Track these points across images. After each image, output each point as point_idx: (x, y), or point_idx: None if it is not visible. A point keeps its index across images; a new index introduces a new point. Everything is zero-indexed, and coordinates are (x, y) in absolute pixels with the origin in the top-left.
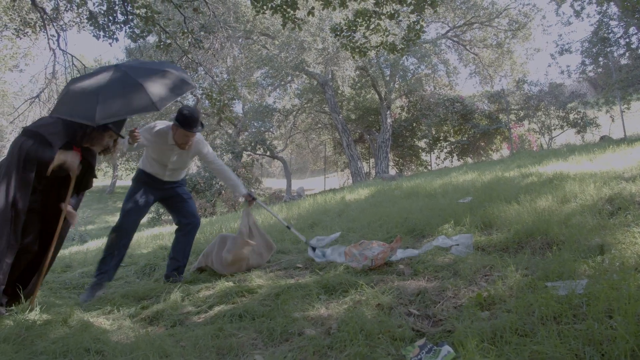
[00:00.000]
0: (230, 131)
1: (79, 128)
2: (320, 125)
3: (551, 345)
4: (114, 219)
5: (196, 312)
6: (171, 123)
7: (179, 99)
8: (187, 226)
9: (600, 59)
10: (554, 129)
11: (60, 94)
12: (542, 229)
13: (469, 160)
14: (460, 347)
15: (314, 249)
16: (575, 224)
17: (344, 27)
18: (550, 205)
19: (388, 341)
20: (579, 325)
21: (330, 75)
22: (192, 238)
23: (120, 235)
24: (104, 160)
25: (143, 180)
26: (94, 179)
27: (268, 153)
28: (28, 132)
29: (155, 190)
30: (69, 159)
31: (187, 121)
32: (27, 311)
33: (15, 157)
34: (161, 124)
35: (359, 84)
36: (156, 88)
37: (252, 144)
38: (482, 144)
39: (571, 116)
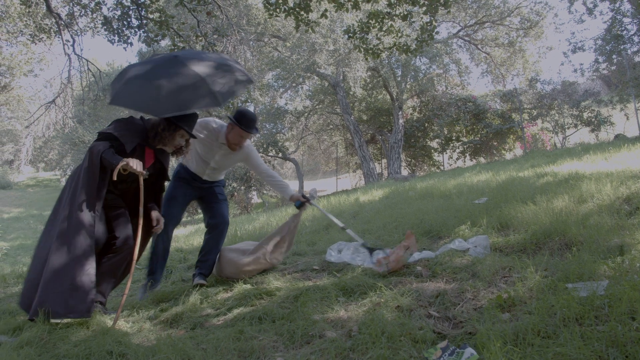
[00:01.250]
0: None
1: (150, 128)
2: (331, 127)
3: (574, 347)
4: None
5: (215, 314)
6: (226, 123)
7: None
8: (214, 227)
9: (614, 56)
10: (568, 128)
11: (118, 83)
12: (559, 229)
13: (482, 160)
14: (483, 349)
15: (371, 250)
16: (593, 224)
17: (357, 29)
18: (567, 205)
19: (409, 343)
20: (601, 327)
21: (341, 77)
22: (220, 239)
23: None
24: (176, 161)
25: (183, 176)
26: (166, 182)
27: (280, 155)
28: (102, 135)
29: (194, 188)
30: (132, 163)
31: (246, 121)
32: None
33: (89, 162)
34: (218, 121)
35: (370, 85)
36: (218, 84)
37: (264, 146)
38: (495, 143)
39: (585, 115)
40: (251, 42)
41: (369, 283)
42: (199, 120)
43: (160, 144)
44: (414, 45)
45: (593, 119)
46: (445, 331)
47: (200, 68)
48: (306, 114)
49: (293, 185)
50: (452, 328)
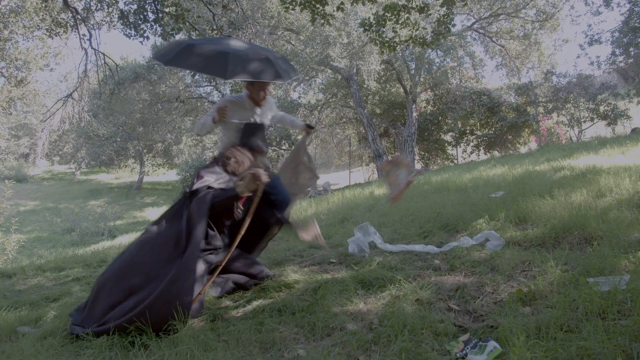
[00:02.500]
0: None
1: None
2: (344, 120)
3: (598, 342)
4: (142, 214)
5: (234, 306)
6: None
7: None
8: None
9: (632, 49)
10: (584, 122)
11: (179, 49)
12: (578, 223)
13: (496, 153)
14: (506, 342)
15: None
16: (612, 218)
17: (373, 22)
18: (586, 199)
19: (431, 336)
20: (624, 322)
21: (355, 70)
22: None
23: None
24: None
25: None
26: None
27: (293, 148)
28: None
29: None
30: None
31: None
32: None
33: (202, 208)
34: (229, 96)
35: (384, 78)
36: (280, 64)
37: (277, 139)
38: (510, 137)
39: (601, 108)
40: (264, 36)
41: (387, 276)
42: (217, 104)
43: (240, 168)
44: (431, 38)
45: (609, 113)
46: (466, 324)
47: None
48: (319, 107)
49: None
50: (472, 321)
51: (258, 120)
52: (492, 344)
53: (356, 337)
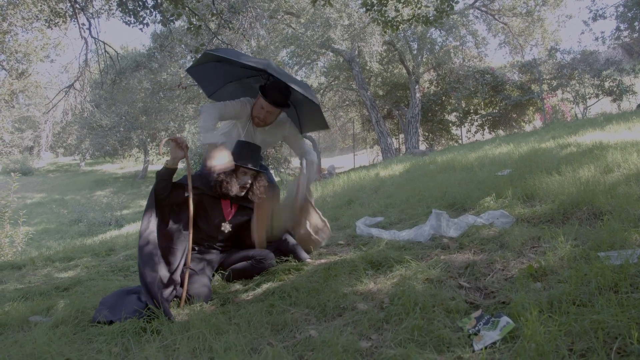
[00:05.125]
0: None
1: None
2: (347, 103)
3: (611, 315)
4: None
5: (244, 290)
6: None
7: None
8: None
9: (636, 23)
10: (589, 98)
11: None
12: (587, 199)
13: (501, 132)
14: (519, 318)
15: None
16: (621, 193)
17: (375, 1)
18: (593, 175)
19: (442, 314)
20: (637, 294)
21: (356, 52)
22: None
23: None
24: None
25: None
26: None
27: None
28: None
29: None
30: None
31: (272, 92)
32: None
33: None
34: (251, 99)
35: (386, 59)
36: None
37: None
38: (514, 115)
39: (606, 84)
40: (264, 20)
41: (396, 256)
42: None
43: (224, 190)
44: (433, 17)
45: (615, 89)
46: (478, 301)
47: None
48: (322, 90)
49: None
50: (484, 298)
51: (248, 137)
52: (504, 319)
53: (367, 316)
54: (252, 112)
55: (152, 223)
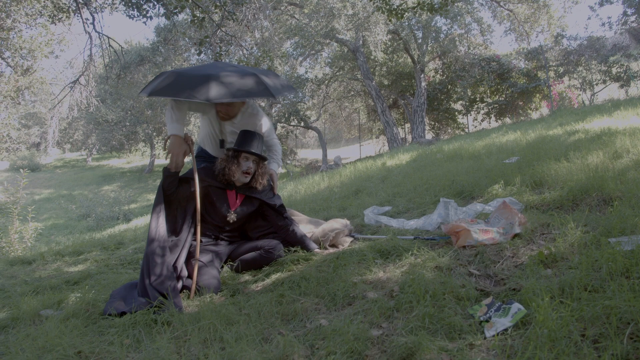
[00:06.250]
0: (263, 103)
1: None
2: (353, 93)
3: (624, 300)
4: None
5: (253, 280)
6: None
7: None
8: None
9: None
10: (596, 84)
11: (162, 78)
12: (596, 185)
13: (508, 120)
14: (530, 304)
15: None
16: (631, 179)
17: None
18: (602, 161)
19: (453, 301)
20: None
21: (361, 41)
22: None
23: None
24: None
25: (202, 156)
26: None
27: (302, 124)
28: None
29: None
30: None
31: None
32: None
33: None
34: None
35: (391, 49)
36: (270, 80)
37: (286, 116)
38: (521, 103)
39: (614, 70)
40: (267, 11)
41: (404, 245)
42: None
43: (227, 176)
44: (438, 4)
45: (622, 74)
46: (488, 288)
47: (248, 68)
48: (327, 81)
49: (316, 154)
50: (494, 285)
51: (230, 138)
52: (516, 305)
53: (377, 304)
54: (216, 107)
55: (161, 227)
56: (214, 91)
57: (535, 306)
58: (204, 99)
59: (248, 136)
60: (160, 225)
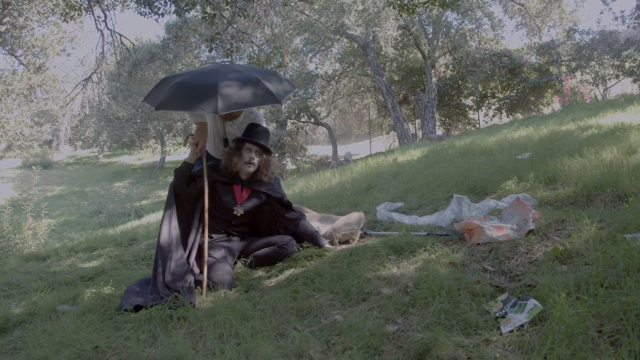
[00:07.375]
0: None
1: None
2: (363, 89)
3: None
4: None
5: (267, 276)
6: None
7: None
8: None
9: None
10: (609, 79)
11: (166, 89)
12: (611, 181)
13: (519, 116)
14: (546, 300)
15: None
16: None
17: None
18: (617, 156)
19: (468, 297)
20: None
21: (371, 37)
22: None
23: None
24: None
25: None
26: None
27: (312, 120)
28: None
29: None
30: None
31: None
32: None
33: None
34: None
35: (401, 44)
36: (273, 85)
37: (296, 112)
38: (532, 98)
39: (627, 64)
40: (278, 7)
41: (418, 241)
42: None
43: (231, 168)
44: None
45: (635, 69)
46: (503, 284)
47: (251, 72)
48: (337, 77)
49: (327, 150)
50: (509, 281)
51: (220, 130)
52: (532, 302)
53: (392, 300)
54: None
55: (173, 227)
56: (221, 102)
57: (552, 302)
58: (212, 111)
59: (253, 128)
60: (172, 226)
